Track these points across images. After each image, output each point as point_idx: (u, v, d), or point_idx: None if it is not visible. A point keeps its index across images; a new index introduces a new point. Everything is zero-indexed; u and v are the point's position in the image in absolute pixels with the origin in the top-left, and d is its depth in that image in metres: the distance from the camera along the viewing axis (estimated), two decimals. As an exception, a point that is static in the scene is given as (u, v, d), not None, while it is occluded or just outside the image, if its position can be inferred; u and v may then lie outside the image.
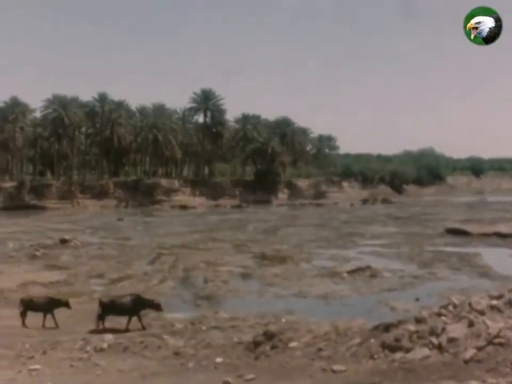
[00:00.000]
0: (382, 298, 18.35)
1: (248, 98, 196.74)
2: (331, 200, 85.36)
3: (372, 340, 9.62)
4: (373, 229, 40.97)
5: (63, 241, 33.96)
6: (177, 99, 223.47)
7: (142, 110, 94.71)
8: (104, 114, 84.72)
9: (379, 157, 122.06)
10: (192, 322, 15.74)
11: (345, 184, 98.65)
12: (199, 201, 79.11)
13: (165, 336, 13.31)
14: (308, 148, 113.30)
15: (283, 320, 15.46)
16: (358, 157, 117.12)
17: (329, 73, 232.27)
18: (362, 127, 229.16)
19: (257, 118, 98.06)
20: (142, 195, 77.56)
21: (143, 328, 14.99)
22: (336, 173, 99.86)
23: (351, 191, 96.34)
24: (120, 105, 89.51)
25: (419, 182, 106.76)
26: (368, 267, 23.15)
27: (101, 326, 14.90)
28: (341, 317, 13.39)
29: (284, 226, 42.85)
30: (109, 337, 13.09)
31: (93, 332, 14.72)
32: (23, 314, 15.64)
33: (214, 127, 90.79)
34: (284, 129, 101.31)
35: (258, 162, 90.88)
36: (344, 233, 37.87)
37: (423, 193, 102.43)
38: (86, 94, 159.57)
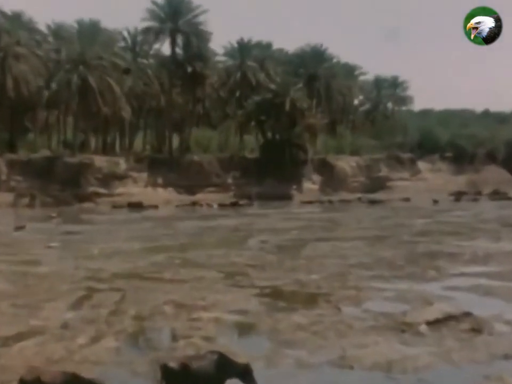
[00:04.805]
0: (493, 371, 12.83)
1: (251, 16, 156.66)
2: (397, 193, 67.49)
3: None
4: (474, 246, 30.97)
5: None
6: (124, 14, 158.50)
7: (59, 32, 69.61)
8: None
9: (486, 115, 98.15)
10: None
11: (423, 164, 77.11)
12: (163, 195, 64.03)
13: None
14: (356, 102, 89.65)
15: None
16: (446, 117, 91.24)
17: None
18: (454, 65, 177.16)
19: (266, 48, 76.39)
20: (61, 185, 60.38)
21: None
22: (406, 146, 79.24)
23: (433, 177, 76.16)
24: (16, 21, 65.06)
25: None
26: (467, 315, 16.50)
27: None
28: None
29: (312, 240, 33.73)
30: None
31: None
32: None
33: (190, 64, 68.43)
34: (313, 68, 77.21)
35: (267, 127, 71.29)
36: (421, 252, 28.93)
37: None
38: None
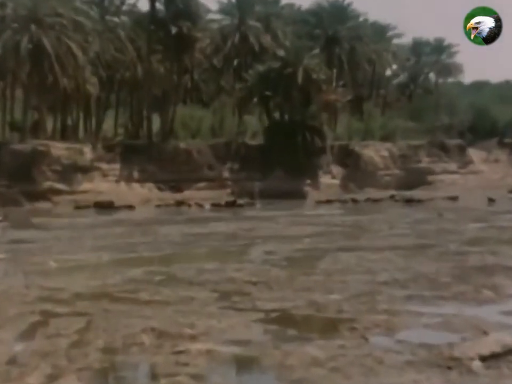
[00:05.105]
0: None
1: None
2: (442, 190, 61.37)
3: None
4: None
5: None
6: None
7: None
8: None
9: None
10: None
11: (475, 153, 68.39)
12: (140, 192, 58.32)
13: None
14: (389, 72, 77.31)
15: None
16: (506, 91, 78.82)
17: None
18: None
19: (273, 3, 66.43)
20: (7, 179, 53.65)
21: None
22: (454, 129, 69.98)
23: (489, 169, 68.13)
24: None
25: None
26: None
27: None
28: None
29: (332, 250, 30.97)
30: None
31: None
32: None
33: (174, 24, 60.57)
34: (333, 29, 67.66)
35: (274, 105, 63.74)
36: (472, 266, 25.39)
37: None
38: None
